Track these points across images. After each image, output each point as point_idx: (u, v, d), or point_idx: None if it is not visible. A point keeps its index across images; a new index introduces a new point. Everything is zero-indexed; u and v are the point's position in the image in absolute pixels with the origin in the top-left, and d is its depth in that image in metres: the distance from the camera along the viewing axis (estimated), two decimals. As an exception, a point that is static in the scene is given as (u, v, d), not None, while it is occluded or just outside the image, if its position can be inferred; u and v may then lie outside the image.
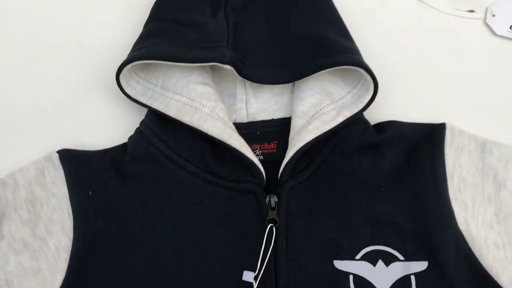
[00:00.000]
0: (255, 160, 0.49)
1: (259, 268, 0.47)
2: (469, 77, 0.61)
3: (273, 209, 0.49)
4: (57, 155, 0.52)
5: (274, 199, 0.49)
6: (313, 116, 0.52)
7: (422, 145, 0.54)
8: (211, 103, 0.51)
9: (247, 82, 0.57)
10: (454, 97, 0.59)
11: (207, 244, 0.49)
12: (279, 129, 0.55)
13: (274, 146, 0.55)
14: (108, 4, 0.64)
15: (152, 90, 0.54)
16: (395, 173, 0.53)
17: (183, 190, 0.51)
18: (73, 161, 0.52)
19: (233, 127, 0.51)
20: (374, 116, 0.56)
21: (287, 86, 0.57)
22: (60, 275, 0.48)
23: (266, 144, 0.55)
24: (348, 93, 0.54)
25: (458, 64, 0.61)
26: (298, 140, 0.50)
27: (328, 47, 0.52)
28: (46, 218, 0.50)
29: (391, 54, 0.62)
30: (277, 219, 0.49)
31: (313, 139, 0.50)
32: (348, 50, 0.52)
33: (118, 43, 0.58)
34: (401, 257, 0.50)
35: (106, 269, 0.48)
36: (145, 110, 0.54)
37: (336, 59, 0.51)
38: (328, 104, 0.53)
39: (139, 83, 0.54)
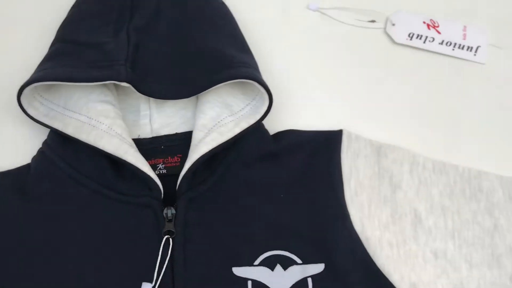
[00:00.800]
0: (151, 173, 0.51)
1: (155, 279, 0.48)
2: (369, 84, 0.63)
3: (170, 221, 0.51)
4: None
5: (171, 211, 0.51)
6: (211, 128, 0.54)
7: (319, 151, 0.56)
8: (108, 120, 0.53)
9: (151, 98, 0.58)
10: (354, 104, 0.62)
11: (108, 260, 0.50)
12: (183, 142, 0.57)
13: (178, 159, 0.56)
14: (16, 28, 0.65)
15: (55, 110, 0.55)
16: (293, 179, 0.55)
17: (84, 207, 0.52)
18: (-26, 182, 0.53)
19: (132, 143, 0.53)
20: (276, 126, 0.58)
21: (191, 100, 0.59)
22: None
23: (169, 158, 0.56)
24: (247, 105, 0.56)
25: (358, 72, 0.64)
26: (195, 152, 0.52)
27: (224, 62, 0.54)
28: None
29: (293, 65, 0.64)
30: (174, 230, 0.50)
31: (209, 151, 0.52)
32: (243, 64, 0.55)
33: (26, 67, 0.59)
34: (299, 261, 0.51)
35: None
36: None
37: (230, 73, 0.53)
38: (226, 117, 0.55)
39: (42, 104, 0.55)
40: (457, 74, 0.64)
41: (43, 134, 0.57)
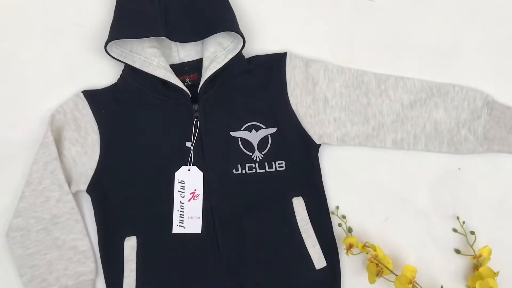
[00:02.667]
0: (184, 88, 0.98)
1: (193, 140, 0.98)
2: (308, 17, 1.06)
3: (196, 111, 0.99)
4: (82, 93, 1.00)
5: (196, 106, 0.99)
6: (212, 59, 0.99)
7: (273, 67, 1.02)
8: (157, 58, 0.98)
9: (177, 40, 1.02)
10: (295, 31, 1.06)
11: (167, 131, 0.99)
12: (198, 65, 1.03)
13: (195, 76, 1.03)
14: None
15: (125, 52, 0.99)
16: (260, 84, 1.01)
17: (150, 106, 1.00)
18: (91, 95, 1.01)
19: (171, 70, 0.98)
20: (249, 52, 1.03)
21: (200, 41, 1.02)
22: (97, 153, 0.98)
23: (191, 75, 1.03)
24: (231, 42, 1.00)
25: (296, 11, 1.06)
26: (204, 75, 0.98)
27: (217, 19, 0.97)
28: (84, 127, 0.99)
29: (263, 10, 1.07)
30: (198, 116, 0.98)
31: (212, 73, 0.97)
32: (228, 21, 0.97)
33: (103, 23, 1.02)
34: (263, 126, 1.00)
35: (119, 148, 0.99)
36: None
37: (222, 27, 0.96)
38: (220, 51, 1.00)
39: (117, 48, 0.99)
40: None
41: (121, 66, 1.02)
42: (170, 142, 0.98)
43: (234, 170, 0.98)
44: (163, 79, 0.97)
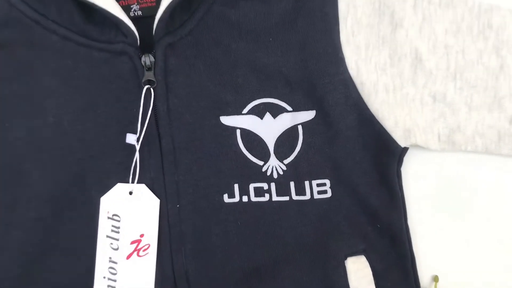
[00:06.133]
0: (123, 17, 0.46)
1: (139, 130, 0.47)
2: None
3: (149, 69, 0.47)
4: None
5: (149, 59, 0.47)
6: (186, -37, 0.47)
7: (311, -14, 0.50)
8: (70, -43, 0.46)
9: None
10: None
11: (87, 109, 0.48)
12: (158, -22, 0.50)
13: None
14: None
15: None
16: (284, 20, 0.49)
17: (57, 55, 0.48)
18: None
19: (99, -18, 0.46)
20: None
21: None
22: None
23: (144, -3, 0.51)
24: None
25: None
26: (169, -6, 0.46)
27: None
28: None
29: None
30: (154, 80, 0.47)
31: (187, -10, 0.46)
32: None
33: None
34: (289, 108, 0.49)
35: None
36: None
37: None
38: None
39: None
40: None
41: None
42: (94, 131, 0.48)
43: (226, 196, 0.48)
44: (84, 1, 0.46)
